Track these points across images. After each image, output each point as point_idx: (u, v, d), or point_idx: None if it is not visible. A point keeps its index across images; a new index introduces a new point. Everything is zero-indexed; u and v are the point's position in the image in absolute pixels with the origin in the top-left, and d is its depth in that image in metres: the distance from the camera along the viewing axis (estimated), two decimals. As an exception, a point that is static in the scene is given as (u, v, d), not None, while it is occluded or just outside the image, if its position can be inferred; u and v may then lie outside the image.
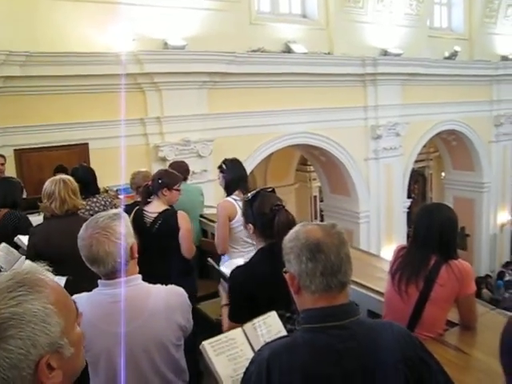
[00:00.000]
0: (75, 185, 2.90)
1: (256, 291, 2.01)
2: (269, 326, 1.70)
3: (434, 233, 2.16)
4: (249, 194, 2.26)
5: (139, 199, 3.73)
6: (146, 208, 3.27)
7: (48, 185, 2.85)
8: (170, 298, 1.76)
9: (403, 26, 9.79)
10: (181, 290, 1.83)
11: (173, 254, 3.24)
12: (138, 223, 3.17)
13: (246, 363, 1.52)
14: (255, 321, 1.70)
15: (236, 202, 3.34)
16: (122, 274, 1.67)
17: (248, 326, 1.68)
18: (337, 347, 1.24)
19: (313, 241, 1.30)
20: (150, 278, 1.81)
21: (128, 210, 3.13)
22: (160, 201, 3.27)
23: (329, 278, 1.28)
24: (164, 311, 1.71)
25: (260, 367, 1.26)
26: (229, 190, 3.44)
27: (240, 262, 2.38)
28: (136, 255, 1.75)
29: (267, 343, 1.38)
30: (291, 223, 2.05)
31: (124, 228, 1.69)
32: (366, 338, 1.27)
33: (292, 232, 1.37)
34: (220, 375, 1.55)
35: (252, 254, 3.30)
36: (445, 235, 2.16)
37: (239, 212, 3.26)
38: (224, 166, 3.47)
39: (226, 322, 2.13)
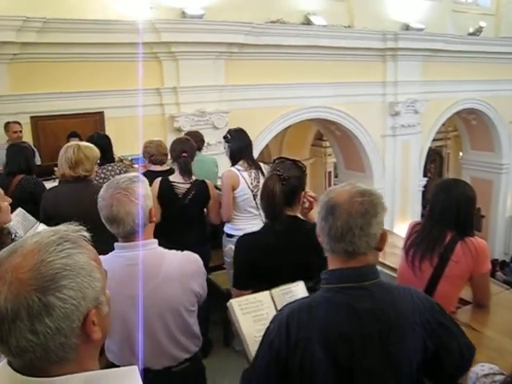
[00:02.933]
0: (91, 152, 2.87)
1: (258, 261, 2.02)
2: (296, 295, 1.71)
3: (451, 209, 2.12)
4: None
5: (152, 168, 3.73)
6: (173, 179, 3.30)
7: (62, 150, 2.85)
8: (184, 263, 1.77)
9: (426, 0, 9.49)
10: (196, 256, 1.84)
11: (198, 223, 3.38)
12: (168, 194, 3.23)
13: None
14: (283, 287, 1.73)
15: (239, 172, 3.38)
16: (142, 235, 1.68)
17: (276, 291, 1.71)
18: (355, 306, 1.26)
19: (332, 202, 1.31)
20: (171, 246, 1.82)
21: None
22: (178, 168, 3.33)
23: (332, 243, 1.31)
24: (178, 276, 1.72)
25: (280, 324, 1.30)
26: (234, 160, 3.47)
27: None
28: (154, 219, 1.75)
29: (288, 304, 1.41)
30: (269, 191, 1.99)
31: (144, 190, 1.70)
32: (384, 299, 1.29)
33: (330, 187, 1.42)
34: (244, 333, 1.58)
35: (253, 222, 3.41)
36: (462, 212, 2.13)
37: (242, 182, 3.35)
38: (229, 136, 3.48)
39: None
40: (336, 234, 1.28)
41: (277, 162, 2.14)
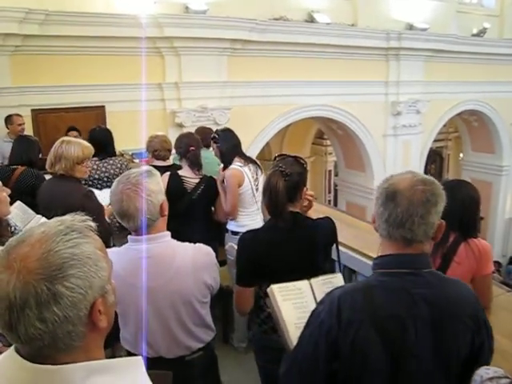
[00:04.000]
0: (73, 150, 2.75)
1: (262, 258, 2.01)
2: (334, 285, 1.71)
3: (455, 210, 2.10)
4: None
5: (155, 163, 3.71)
6: (182, 173, 3.29)
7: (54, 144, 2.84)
8: (197, 256, 1.78)
9: (431, 0, 9.47)
10: (208, 248, 1.85)
11: (206, 218, 3.39)
12: (177, 188, 3.21)
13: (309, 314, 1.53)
14: (323, 277, 1.75)
15: (242, 168, 3.38)
16: (143, 231, 1.69)
17: (316, 280, 1.72)
18: (411, 292, 1.27)
19: (392, 189, 1.30)
20: (179, 240, 1.83)
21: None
22: (187, 163, 3.31)
23: (390, 229, 1.30)
24: (191, 269, 1.73)
25: (331, 305, 1.29)
26: (224, 160, 3.45)
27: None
28: (166, 213, 1.75)
29: (337, 287, 1.40)
30: (272, 187, 1.98)
31: (155, 185, 1.70)
32: (439, 287, 1.30)
33: (390, 174, 1.38)
34: (284, 319, 1.59)
35: (256, 217, 3.45)
36: (466, 213, 2.12)
37: (246, 178, 3.36)
38: (217, 136, 3.46)
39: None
40: (396, 220, 1.28)
41: (278, 158, 2.13)
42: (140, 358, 0.95)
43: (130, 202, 1.63)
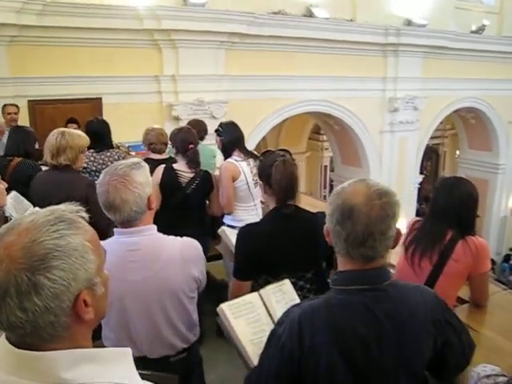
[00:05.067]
0: (75, 140, 2.80)
1: (260, 250, 2.01)
2: (284, 293, 1.69)
3: (453, 207, 2.11)
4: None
5: (151, 156, 3.69)
6: (177, 167, 3.27)
7: (49, 136, 2.81)
8: (184, 249, 1.75)
9: (430, -4, 9.46)
10: (196, 242, 1.82)
11: (200, 213, 3.37)
12: (172, 182, 3.20)
13: (265, 327, 1.52)
14: (271, 287, 1.69)
15: (238, 162, 3.38)
16: (140, 223, 1.67)
17: (265, 291, 1.66)
18: (372, 308, 1.22)
19: (347, 205, 1.22)
20: (173, 234, 1.80)
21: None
22: (184, 160, 3.29)
23: (350, 248, 1.23)
24: (179, 262, 1.70)
25: (291, 327, 1.24)
26: (226, 153, 3.47)
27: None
28: (153, 206, 1.72)
29: (295, 305, 1.36)
30: (289, 174, 2.05)
31: (142, 177, 1.66)
32: (399, 299, 1.26)
33: (340, 186, 1.30)
34: (239, 338, 1.52)
35: (252, 212, 3.43)
36: (464, 210, 2.11)
37: (241, 172, 3.35)
38: (220, 129, 3.48)
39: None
40: (356, 239, 1.21)
41: (269, 153, 2.20)
42: (128, 349, 0.94)
43: (116, 194, 1.60)
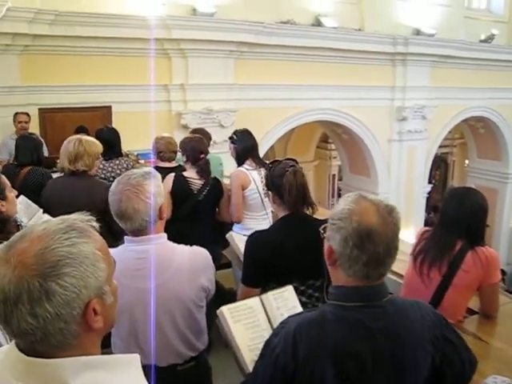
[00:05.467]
0: (92, 147, 2.86)
1: (269, 258, 2.01)
2: (285, 300, 1.67)
3: (463, 218, 2.10)
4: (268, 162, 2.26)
5: (161, 164, 3.71)
6: (187, 175, 3.29)
7: (64, 143, 2.86)
8: (194, 258, 1.75)
9: (439, 5, 9.46)
10: (205, 251, 1.82)
11: (211, 220, 3.38)
12: (183, 190, 3.22)
13: (263, 333, 1.51)
14: (273, 292, 1.67)
15: (248, 171, 3.40)
16: (151, 232, 1.67)
17: (266, 296, 1.65)
18: (369, 325, 1.20)
19: (365, 227, 1.18)
20: (184, 242, 1.81)
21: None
22: (195, 169, 3.30)
23: (370, 270, 1.20)
24: (188, 271, 1.71)
25: (286, 340, 1.22)
26: (239, 161, 3.49)
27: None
28: (164, 216, 1.73)
29: (291, 316, 1.34)
30: (300, 184, 2.07)
31: (154, 187, 1.67)
32: (397, 316, 1.23)
33: (345, 208, 1.24)
34: (237, 342, 1.51)
35: (263, 222, 3.44)
36: (474, 221, 2.10)
37: (252, 181, 3.37)
38: (235, 137, 3.50)
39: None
40: (378, 261, 1.19)
41: (276, 163, 2.20)
42: (136, 355, 0.95)
43: (128, 204, 1.61)
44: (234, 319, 1.55)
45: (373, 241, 1.17)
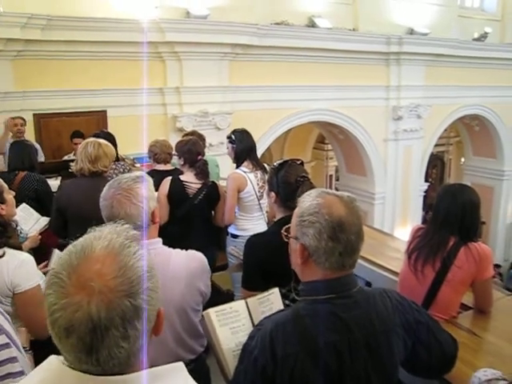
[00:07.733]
0: (109, 149, 2.96)
1: (268, 261, 2.01)
2: (271, 303, 1.66)
3: (456, 214, 2.11)
4: (276, 163, 2.22)
5: (157, 167, 3.72)
6: (184, 178, 3.29)
7: (81, 146, 2.92)
8: (190, 262, 1.74)
9: (432, 4, 9.48)
10: (201, 255, 1.81)
11: (207, 223, 3.38)
12: (179, 193, 3.22)
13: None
14: (259, 296, 1.66)
15: (246, 173, 3.38)
16: (144, 237, 1.63)
17: (252, 300, 1.63)
18: (342, 316, 1.23)
19: (336, 219, 1.23)
20: (179, 246, 1.80)
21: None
22: (193, 171, 3.30)
23: (345, 259, 1.24)
24: (184, 275, 1.69)
25: (263, 341, 1.23)
26: (238, 161, 3.47)
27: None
28: (157, 220, 1.71)
29: (266, 317, 1.35)
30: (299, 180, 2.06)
31: (147, 191, 1.65)
32: (367, 305, 1.27)
33: (312, 203, 1.28)
34: (222, 348, 1.49)
35: (258, 222, 3.43)
36: (466, 218, 2.11)
37: (249, 183, 3.33)
38: (233, 137, 3.47)
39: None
40: (352, 248, 1.24)
41: (296, 164, 2.17)
42: (181, 363, 0.94)
43: (120, 208, 1.59)
44: (221, 322, 1.52)
45: (345, 230, 1.23)
